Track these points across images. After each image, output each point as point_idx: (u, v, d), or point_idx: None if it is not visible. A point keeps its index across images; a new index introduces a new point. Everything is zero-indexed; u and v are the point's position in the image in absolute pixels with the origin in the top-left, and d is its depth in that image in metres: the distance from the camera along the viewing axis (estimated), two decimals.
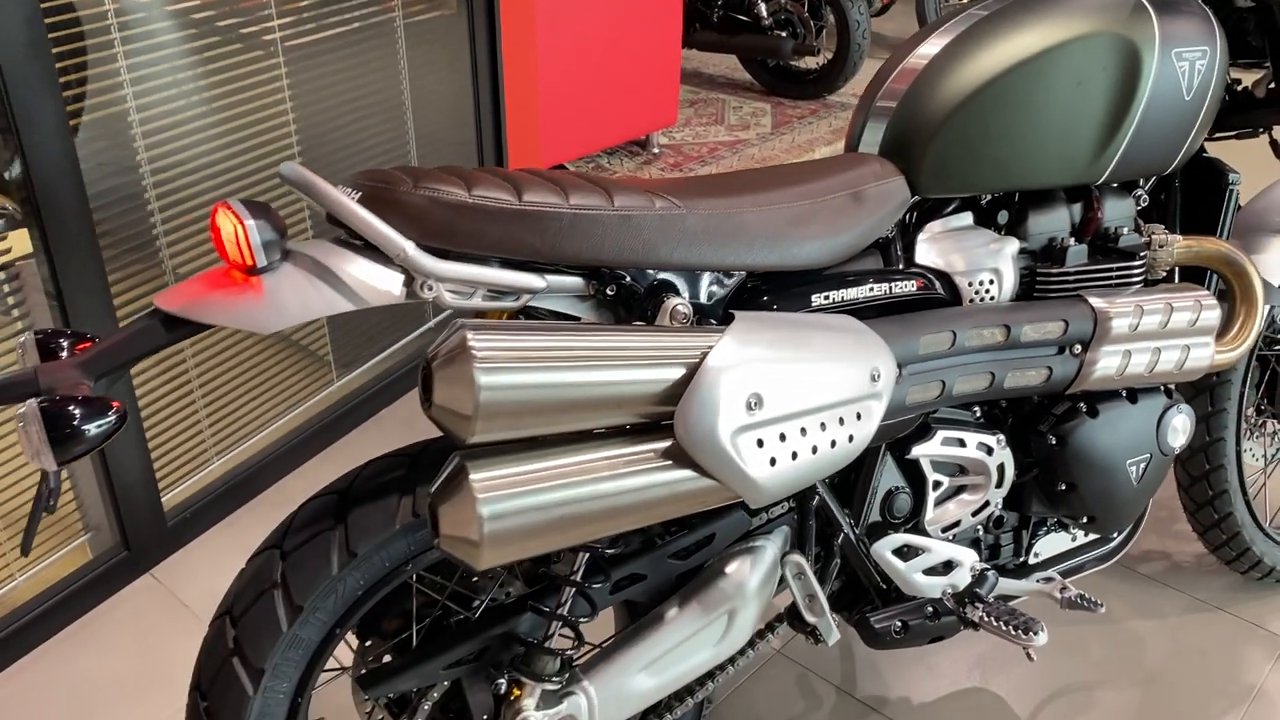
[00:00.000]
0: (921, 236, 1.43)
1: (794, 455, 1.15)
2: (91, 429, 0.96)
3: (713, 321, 1.28)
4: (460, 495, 1.01)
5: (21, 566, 1.92)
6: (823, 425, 1.18)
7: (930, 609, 1.48)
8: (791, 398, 1.14)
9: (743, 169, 1.41)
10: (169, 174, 2.00)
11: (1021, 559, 1.61)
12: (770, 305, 1.29)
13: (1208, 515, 1.91)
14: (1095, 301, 1.42)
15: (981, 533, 1.56)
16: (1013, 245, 1.44)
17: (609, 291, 1.20)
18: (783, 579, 1.38)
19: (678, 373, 1.08)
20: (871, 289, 1.35)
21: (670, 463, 1.09)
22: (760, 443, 1.12)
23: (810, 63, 5.05)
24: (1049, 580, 1.56)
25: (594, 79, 3.78)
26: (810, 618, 1.37)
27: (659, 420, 1.10)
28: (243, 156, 2.14)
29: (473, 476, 1.01)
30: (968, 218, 1.47)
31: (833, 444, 1.19)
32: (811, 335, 1.18)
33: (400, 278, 1.09)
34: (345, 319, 2.53)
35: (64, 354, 1.08)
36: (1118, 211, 1.52)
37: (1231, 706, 1.81)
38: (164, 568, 2.09)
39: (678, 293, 1.24)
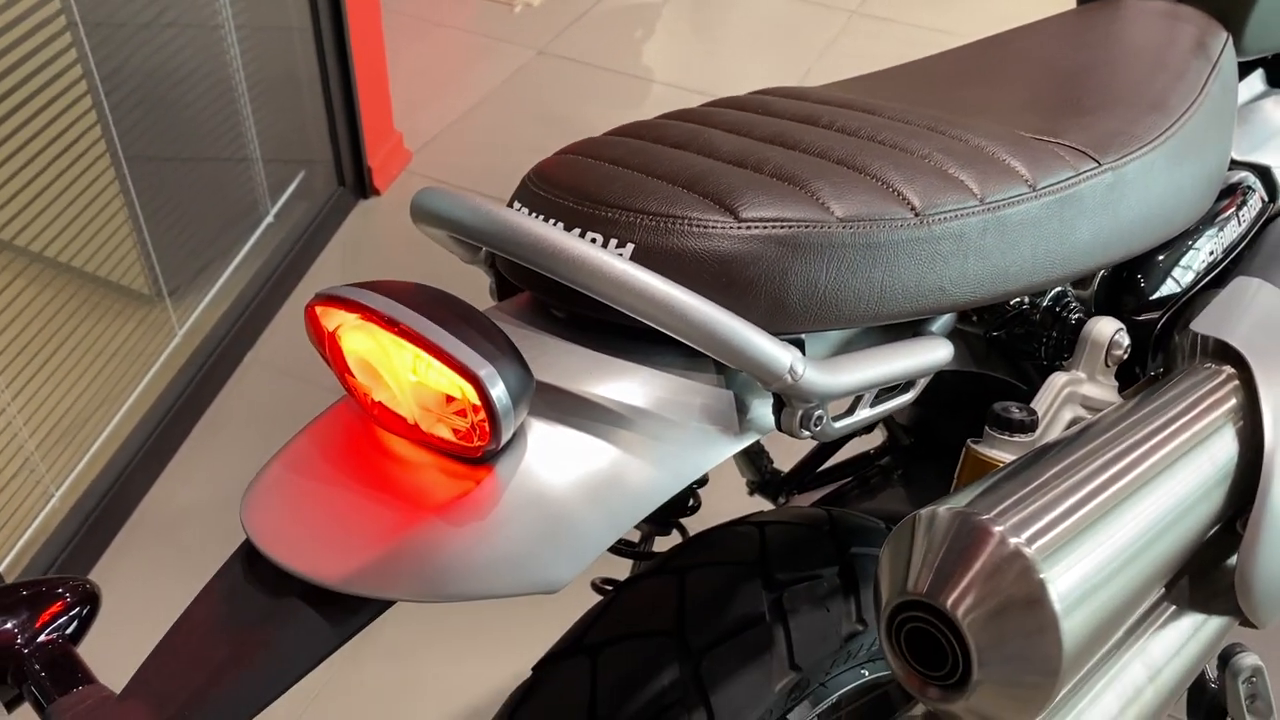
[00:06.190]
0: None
1: None
2: None
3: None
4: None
5: None
6: None
7: None
8: None
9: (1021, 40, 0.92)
10: None
11: None
12: (1152, 290, 0.85)
13: None
14: None
15: None
16: None
17: (995, 333, 0.73)
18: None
19: (1223, 480, 0.66)
20: (1238, 222, 0.94)
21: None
22: None
23: None
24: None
25: None
26: None
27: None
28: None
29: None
30: (1259, 79, 1.07)
31: None
32: None
33: (732, 408, 0.57)
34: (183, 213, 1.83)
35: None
36: None
37: None
38: None
39: (1082, 307, 0.78)
